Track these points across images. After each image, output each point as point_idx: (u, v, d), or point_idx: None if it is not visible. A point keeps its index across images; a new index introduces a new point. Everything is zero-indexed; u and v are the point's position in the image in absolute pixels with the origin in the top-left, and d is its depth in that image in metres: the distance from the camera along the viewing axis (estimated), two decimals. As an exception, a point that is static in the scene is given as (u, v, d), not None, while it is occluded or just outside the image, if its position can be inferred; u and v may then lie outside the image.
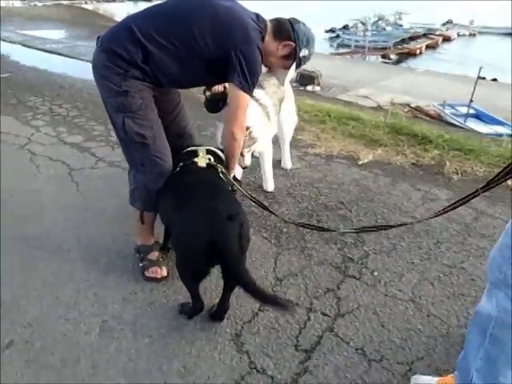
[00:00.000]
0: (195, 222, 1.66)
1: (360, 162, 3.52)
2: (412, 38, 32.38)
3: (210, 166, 1.96)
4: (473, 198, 1.63)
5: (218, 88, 2.22)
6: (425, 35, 34.02)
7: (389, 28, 33.41)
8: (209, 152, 2.05)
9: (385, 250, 2.41)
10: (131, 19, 1.89)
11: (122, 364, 1.70)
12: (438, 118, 9.78)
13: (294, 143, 3.86)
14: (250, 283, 1.63)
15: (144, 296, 2.04)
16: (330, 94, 9.51)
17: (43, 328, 1.86)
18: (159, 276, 2.12)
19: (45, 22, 10.23)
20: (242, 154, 2.24)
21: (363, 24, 32.55)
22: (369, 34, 28.28)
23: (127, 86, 1.83)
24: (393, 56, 27.69)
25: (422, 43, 31.52)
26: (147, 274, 2.13)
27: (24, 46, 8.34)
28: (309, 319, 1.93)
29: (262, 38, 1.93)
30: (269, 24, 1.98)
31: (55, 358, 1.72)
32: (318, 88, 11.39)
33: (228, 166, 2.08)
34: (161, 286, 2.09)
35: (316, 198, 2.96)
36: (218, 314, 1.89)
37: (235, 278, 1.69)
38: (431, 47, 32.20)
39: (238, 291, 1.99)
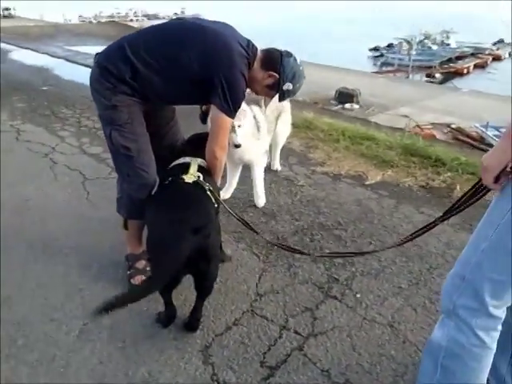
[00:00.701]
0: (166, 233, 1.73)
1: (367, 183, 3.50)
2: (460, 58, 31.59)
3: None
4: (431, 228, 1.63)
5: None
6: (473, 54, 33.09)
7: (435, 47, 32.81)
8: (200, 168, 2.12)
9: (373, 273, 2.39)
10: (126, 38, 2.03)
11: (92, 366, 1.78)
12: (480, 140, 9.42)
13: (304, 161, 3.91)
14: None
15: (126, 303, 2.13)
16: (369, 112, 9.43)
17: (29, 326, 1.98)
18: (144, 284, 2.20)
19: (90, 39, 10.90)
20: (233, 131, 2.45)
21: (408, 43, 32.15)
22: (413, 52, 27.90)
23: (116, 101, 1.95)
24: (438, 75, 27.11)
25: (469, 62, 30.69)
26: (133, 281, 2.22)
27: (67, 60, 8.89)
28: (280, 337, 1.95)
29: (249, 65, 2.01)
30: (259, 53, 2.06)
31: (33, 356, 1.83)
32: (356, 106, 11.31)
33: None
34: (144, 294, 2.18)
35: (314, 216, 2.97)
36: (191, 323, 1.94)
37: (205, 283, 1.77)
38: (480, 67, 31.26)
39: (212, 302, 2.07)
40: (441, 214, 1.55)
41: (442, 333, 1.35)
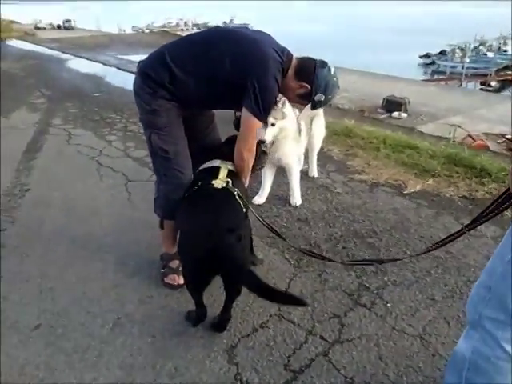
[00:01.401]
0: (195, 234, 1.79)
1: (406, 192, 3.42)
2: (518, 65, 30.09)
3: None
4: (458, 236, 1.58)
5: None
6: (533, 61, 31.41)
7: (491, 54, 31.44)
8: (230, 172, 2.16)
9: (406, 283, 2.33)
10: (166, 45, 2.13)
11: (122, 357, 1.86)
12: (536, 151, 8.94)
13: (342, 168, 3.88)
14: (257, 282, 1.76)
15: (158, 300, 2.21)
16: (418, 121, 9.19)
17: (67, 317, 2.10)
18: (176, 283, 2.27)
19: (141, 48, 11.31)
20: (266, 124, 2.43)
21: (461, 49, 31.00)
22: (467, 59, 26.88)
23: (156, 105, 2.05)
24: (494, 83, 25.92)
25: (529, 70, 29.15)
26: (166, 280, 2.30)
27: (118, 68, 9.31)
28: (306, 341, 1.95)
29: (283, 71, 2.04)
30: (294, 60, 2.09)
31: (70, 344, 1.94)
32: (404, 115, 11.01)
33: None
34: (176, 292, 2.25)
35: (349, 224, 2.94)
36: (219, 323, 1.98)
37: (234, 285, 1.80)
38: (541, 74, 29.61)
39: (241, 304, 2.10)
40: (468, 222, 1.50)
41: (466, 344, 1.31)
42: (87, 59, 10.97)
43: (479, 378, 1.28)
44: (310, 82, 2.05)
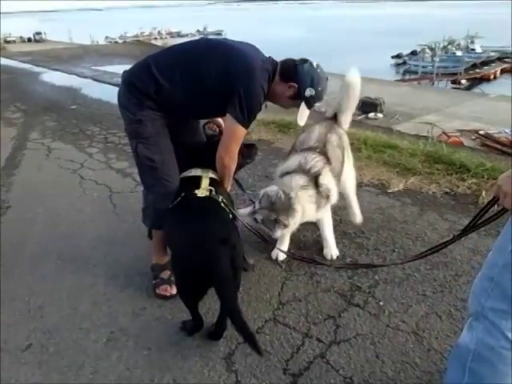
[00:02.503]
0: (187, 248, 1.78)
1: (389, 191, 3.47)
2: (485, 63, 30.96)
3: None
4: (448, 244, 1.63)
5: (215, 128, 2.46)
6: (499, 59, 32.39)
7: (459, 53, 32.28)
8: (212, 180, 2.15)
9: (396, 281, 2.37)
10: (151, 56, 2.13)
11: (119, 372, 1.83)
12: (510, 146, 9.16)
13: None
14: (235, 313, 1.70)
15: (152, 311, 2.18)
16: (394, 121, 9.36)
17: (59, 335, 2.05)
18: (168, 294, 2.25)
19: (116, 58, 11.30)
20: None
21: (431, 49, 31.75)
22: (437, 59, 27.53)
23: (141, 115, 2.04)
24: (464, 81, 26.60)
25: (496, 67, 30.03)
26: (158, 291, 2.28)
27: (94, 80, 9.24)
28: (303, 344, 1.95)
29: (270, 79, 2.06)
30: (278, 66, 2.11)
31: (63, 362, 1.90)
32: (380, 115, 11.19)
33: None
34: (169, 303, 2.23)
35: (336, 224, 2.95)
36: (215, 333, 1.97)
37: (222, 300, 1.78)
38: (507, 71, 30.53)
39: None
40: (459, 232, 1.55)
41: (470, 336, 1.33)
42: (62, 71, 10.84)
43: (483, 368, 1.31)
44: (295, 79, 2.06)
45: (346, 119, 2.87)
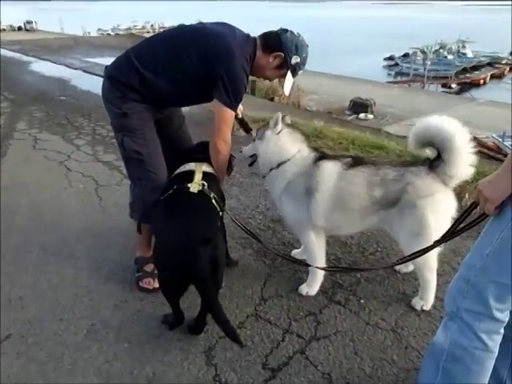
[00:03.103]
0: (170, 244, 1.77)
1: (375, 191, 3.50)
2: (476, 68, 31.28)
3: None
4: (429, 250, 1.66)
5: None
6: (490, 64, 32.76)
7: (451, 56, 32.59)
8: (205, 175, 2.16)
9: (378, 279, 2.40)
10: (131, 49, 2.12)
11: (98, 364, 1.83)
12: (497, 150, 9.28)
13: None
14: (216, 307, 1.75)
15: (134, 304, 2.18)
16: (383, 122, 9.44)
17: (39, 326, 2.05)
18: (151, 287, 2.25)
19: (107, 50, 11.20)
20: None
21: (423, 52, 32.02)
22: (428, 62, 27.77)
23: (126, 108, 2.04)
24: (454, 85, 26.87)
25: (486, 72, 30.36)
26: (141, 284, 2.28)
27: (85, 71, 9.14)
28: (283, 340, 1.97)
29: (252, 57, 2.06)
30: (258, 41, 2.11)
31: (43, 353, 1.89)
32: (370, 116, 11.30)
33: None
34: (151, 296, 2.23)
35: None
36: (196, 327, 1.98)
37: (203, 297, 1.79)
38: (497, 77, 30.90)
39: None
40: (439, 238, 1.58)
41: (444, 336, 1.36)
42: (52, 62, 10.70)
43: (456, 367, 1.34)
44: (280, 49, 2.07)
45: None
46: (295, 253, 2.58)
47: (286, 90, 2.20)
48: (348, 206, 2.09)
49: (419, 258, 1.87)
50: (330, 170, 2.07)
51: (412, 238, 2.03)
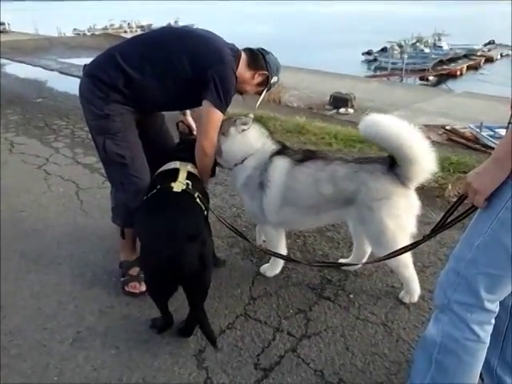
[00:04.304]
0: (155, 241, 1.73)
1: (360, 185, 3.51)
2: (452, 60, 31.89)
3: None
4: (418, 245, 1.66)
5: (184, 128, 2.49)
6: (466, 56, 33.42)
7: (427, 50, 33.09)
8: (190, 174, 2.12)
9: (366, 273, 2.40)
10: (114, 48, 2.06)
11: (86, 373, 1.78)
12: (475, 141, 9.44)
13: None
14: (201, 314, 1.79)
15: (120, 309, 2.13)
16: (364, 116, 9.50)
17: (22, 336, 1.98)
18: (137, 291, 2.21)
19: (84, 51, 10.98)
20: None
21: (400, 46, 32.43)
22: (405, 55, 28.15)
23: (108, 110, 1.98)
24: (431, 78, 27.35)
25: (462, 64, 30.97)
26: (126, 288, 2.23)
27: (61, 73, 8.95)
28: (274, 339, 1.95)
29: (236, 65, 2.05)
30: (243, 53, 2.12)
31: (26, 365, 1.83)
32: (351, 110, 11.39)
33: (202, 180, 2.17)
34: (138, 300, 2.18)
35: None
36: (186, 330, 1.94)
37: (190, 300, 1.76)
38: (473, 68, 31.54)
39: (206, 307, 2.06)
40: (428, 233, 1.57)
41: (436, 328, 1.35)
42: (27, 64, 10.44)
43: (449, 359, 1.33)
44: (264, 68, 2.13)
45: None
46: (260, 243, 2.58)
47: (257, 104, 2.29)
48: (298, 202, 2.08)
49: (391, 260, 1.87)
50: (280, 165, 2.07)
51: (373, 241, 2.04)
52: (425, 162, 1.82)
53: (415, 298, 2.15)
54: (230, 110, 2.18)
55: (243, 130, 2.13)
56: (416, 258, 2.51)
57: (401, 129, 1.81)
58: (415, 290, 2.15)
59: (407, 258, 2.06)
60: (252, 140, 2.14)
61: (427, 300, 2.17)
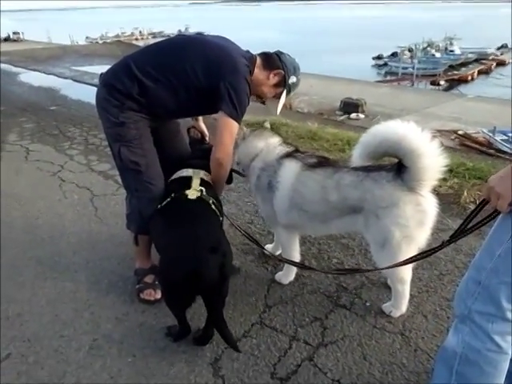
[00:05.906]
0: (177, 253, 1.72)
1: (373, 191, 3.48)
2: (463, 64, 31.65)
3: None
4: (437, 251, 1.63)
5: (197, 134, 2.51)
6: (477, 60, 33.14)
7: (438, 54, 32.90)
8: (203, 182, 2.13)
9: (382, 281, 2.37)
10: (129, 57, 2.07)
11: (102, 381, 1.78)
12: (488, 146, 9.35)
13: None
14: (221, 321, 1.77)
15: (136, 317, 2.13)
16: (375, 121, 9.47)
17: (39, 343, 1.99)
18: (153, 298, 2.21)
19: (96, 59, 11.15)
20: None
21: (411, 51, 32.30)
22: (416, 60, 28.02)
23: (124, 118, 1.99)
24: (442, 82, 27.16)
25: (474, 68, 30.72)
26: (142, 295, 2.23)
27: (74, 80, 9.09)
28: (290, 347, 1.93)
29: (251, 72, 2.05)
30: (258, 58, 2.12)
31: (44, 372, 1.84)
32: (362, 116, 11.36)
33: (216, 191, 2.16)
34: (153, 308, 2.18)
35: (321, 226, 2.96)
36: (202, 338, 1.93)
37: (209, 308, 1.76)
38: (484, 72, 31.28)
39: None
40: (448, 239, 1.55)
41: (456, 339, 1.33)
42: (40, 72, 10.62)
43: (470, 370, 1.31)
44: (281, 67, 2.11)
45: None
46: (268, 247, 2.60)
47: (279, 109, 2.24)
48: (305, 207, 2.06)
49: (390, 270, 1.89)
50: (291, 169, 2.08)
51: (378, 249, 1.96)
52: (432, 159, 1.76)
53: (397, 314, 2.10)
54: (251, 117, 2.19)
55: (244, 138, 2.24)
56: (432, 265, 2.50)
57: (406, 129, 1.78)
58: (401, 307, 2.09)
59: (406, 272, 2.02)
60: (254, 141, 2.24)
61: (445, 309, 2.14)
